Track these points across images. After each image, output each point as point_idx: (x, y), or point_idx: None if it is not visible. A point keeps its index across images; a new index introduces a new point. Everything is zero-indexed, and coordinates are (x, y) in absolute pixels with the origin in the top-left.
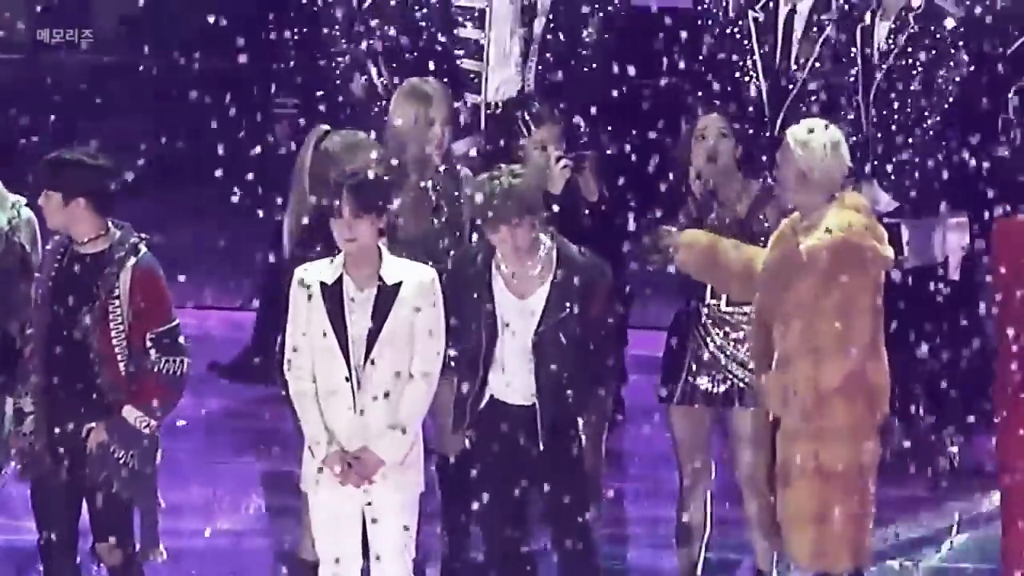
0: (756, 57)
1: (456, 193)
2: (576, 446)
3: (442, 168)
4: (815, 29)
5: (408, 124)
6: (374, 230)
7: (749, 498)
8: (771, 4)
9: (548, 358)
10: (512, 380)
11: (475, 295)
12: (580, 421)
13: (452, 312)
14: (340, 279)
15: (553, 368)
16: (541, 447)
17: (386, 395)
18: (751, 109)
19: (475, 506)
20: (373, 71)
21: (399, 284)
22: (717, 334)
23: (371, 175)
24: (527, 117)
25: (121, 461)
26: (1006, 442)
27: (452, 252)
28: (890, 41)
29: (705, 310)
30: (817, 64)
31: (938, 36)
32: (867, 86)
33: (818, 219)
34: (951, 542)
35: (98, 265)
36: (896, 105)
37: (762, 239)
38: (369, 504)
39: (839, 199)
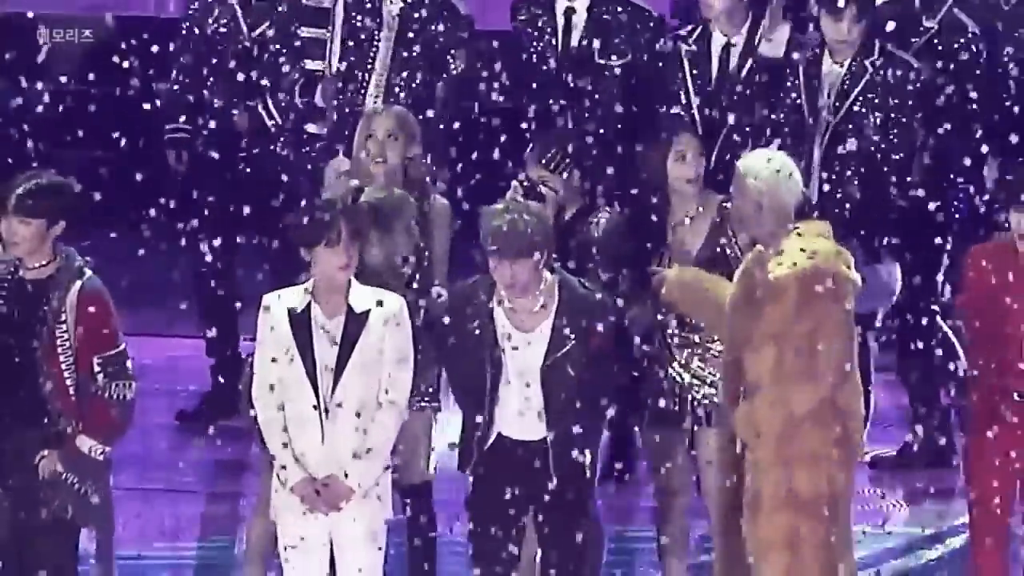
0: (690, 89)
1: (419, 216)
2: (586, 482)
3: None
4: (751, 61)
5: (359, 149)
6: (353, 257)
7: (715, 518)
8: (705, 36)
9: (557, 391)
10: (515, 415)
11: (477, 330)
12: (588, 457)
13: (453, 347)
14: (308, 307)
15: (563, 402)
16: (553, 482)
17: (355, 423)
18: None
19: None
20: (259, 105)
21: (367, 312)
22: (678, 355)
23: (359, 203)
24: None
25: (76, 488)
26: (974, 459)
27: (415, 277)
28: (845, 85)
29: (666, 331)
30: (753, 97)
31: (896, 85)
32: (816, 127)
33: (783, 247)
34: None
35: (45, 290)
36: (848, 148)
37: (730, 255)
38: (338, 531)
39: (802, 227)
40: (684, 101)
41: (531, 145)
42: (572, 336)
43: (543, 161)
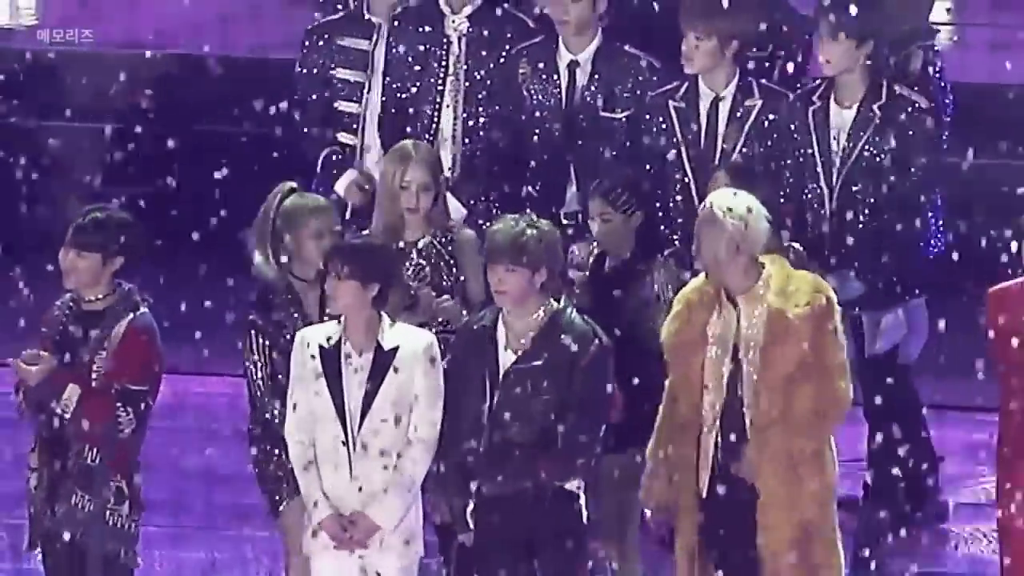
0: (680, 146)
1: (447, 257)
2: (567, 515)
3: (430, 231)
4: (739, 114)
5: (385, 186)
6: (359, 295)
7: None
8: (693, 92)
9: (515, 401)
10: None
11: (477, 350)
12: (580, 494)
13: (456, 370)
14: (339, 343)
15: (517, 421)
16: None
17: (383, 460)
18: (680, 198)
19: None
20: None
21: (396, 348)
22: None
23: (360, 241)
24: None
25: (110, 522)
26: (1008, 499)
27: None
28: (852, 131)
29: None
30: (744, 148)
31: (904, 126)
32: (827, 173)
33: (770, 284)
34: None
35: (98, 322)
36: (861, 194)
37: None
38: (370, 569)
39: (767, 263)
40: (675, 156)
41: (598, 180)
42: (547, 356)
43: (610, 196)
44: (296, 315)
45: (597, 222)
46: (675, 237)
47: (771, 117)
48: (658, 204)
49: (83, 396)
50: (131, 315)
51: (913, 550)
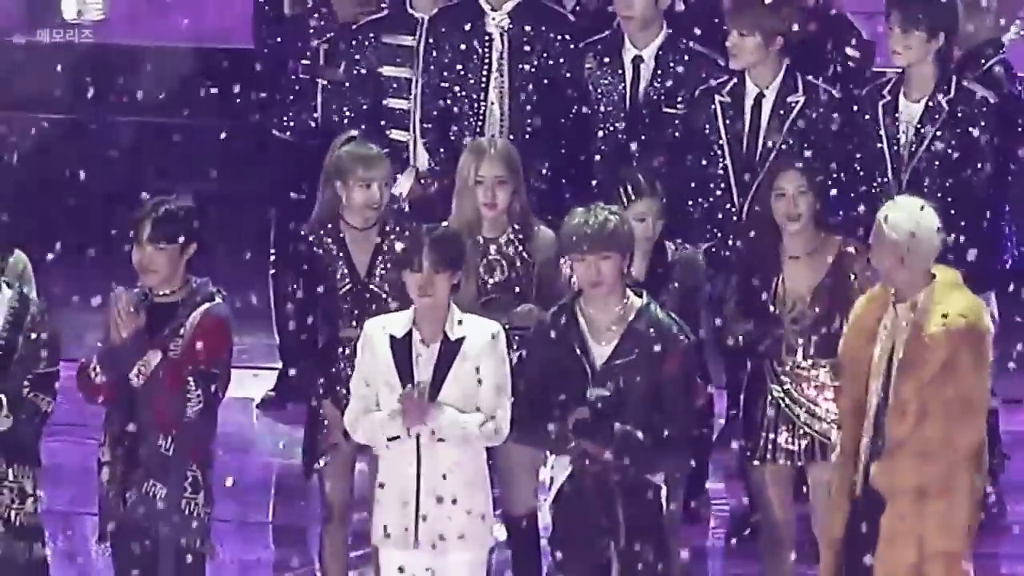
0: (723, 140)
1: (522, 251)
2: (657, 512)
3: (510, 228)
4: (782, 111)
5: (460, 182)
6: (449, 286)
7: (825, 551)
8: (739, 87)
9: (606, 406)
10: None
11: (562, 343)
12: (662, 487)
13: (542, 364)
14: (409, 333)
15: (613, 413)
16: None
17: (451, 450)
18: (719, 192)
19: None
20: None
21: (462, 339)
22: (794, 389)
23: (452, 231)
24: (627, 188)
25: (185, 511)
26: None
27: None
28: (919, 125)
29: (780, 367)
30: (784, 146)
31: (972, 119)
32: (896, 167)
33: (933, 300)
34: None
35: (173, 312)
36: (929, 188)
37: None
38: (441, 563)
39: (939, 275)
40: (719, 152)
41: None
42: (636, 353)
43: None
44: (341, 260)
45: (649, 224)
46: (714, 229)
47: (811, 115)
48: (699, 198)
49: (158, 366)
50: (206, 306)
51: (975, 547)
